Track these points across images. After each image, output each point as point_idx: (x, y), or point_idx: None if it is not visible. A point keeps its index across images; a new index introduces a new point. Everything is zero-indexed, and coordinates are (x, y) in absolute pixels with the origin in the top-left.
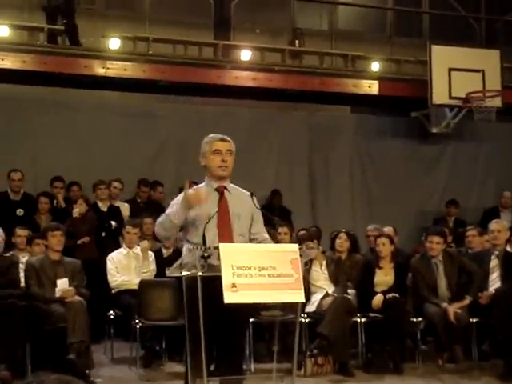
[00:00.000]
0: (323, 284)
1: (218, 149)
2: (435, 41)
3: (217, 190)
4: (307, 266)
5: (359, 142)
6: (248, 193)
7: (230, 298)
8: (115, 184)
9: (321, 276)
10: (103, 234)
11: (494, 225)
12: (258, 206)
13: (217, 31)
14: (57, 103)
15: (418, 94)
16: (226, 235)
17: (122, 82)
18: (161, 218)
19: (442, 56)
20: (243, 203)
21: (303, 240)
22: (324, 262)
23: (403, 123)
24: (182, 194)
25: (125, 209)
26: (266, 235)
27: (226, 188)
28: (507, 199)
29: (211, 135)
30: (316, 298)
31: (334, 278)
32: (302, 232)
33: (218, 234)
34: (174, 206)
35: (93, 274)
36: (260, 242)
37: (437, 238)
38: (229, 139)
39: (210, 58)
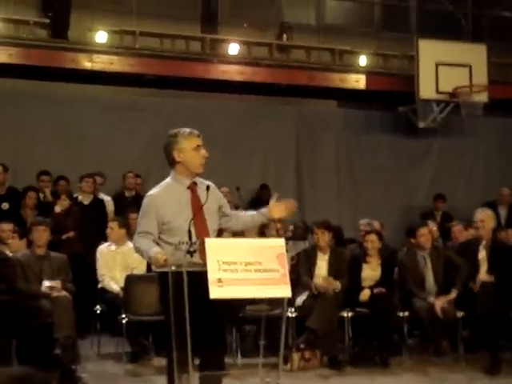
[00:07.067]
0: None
1: (199, 145)
2: (422, 35)
3: (189, 187)
4: (294, 260)
5: (346, 137)
6: (208, 182)
7: (215, 293)
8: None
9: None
10: None
11: (478, 214)
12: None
13: (204, 25)
14: (43, 97)
15: (405, 88)
16: (203, 232)
17: (109, 75)
18: (137, 244)
19: (429, 50)
20: (210, 195)
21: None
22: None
23: (390, 118)
24: (146, 211)
25: (109, 203)
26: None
27: (196, 184)
28: (505, 196)
29: (186, 130)
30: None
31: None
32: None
33: (195, 233)
34: (147, 245)
35: (79, 269)
36: (236, 217)
37: (425, 230)
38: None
39: (197, 52)
